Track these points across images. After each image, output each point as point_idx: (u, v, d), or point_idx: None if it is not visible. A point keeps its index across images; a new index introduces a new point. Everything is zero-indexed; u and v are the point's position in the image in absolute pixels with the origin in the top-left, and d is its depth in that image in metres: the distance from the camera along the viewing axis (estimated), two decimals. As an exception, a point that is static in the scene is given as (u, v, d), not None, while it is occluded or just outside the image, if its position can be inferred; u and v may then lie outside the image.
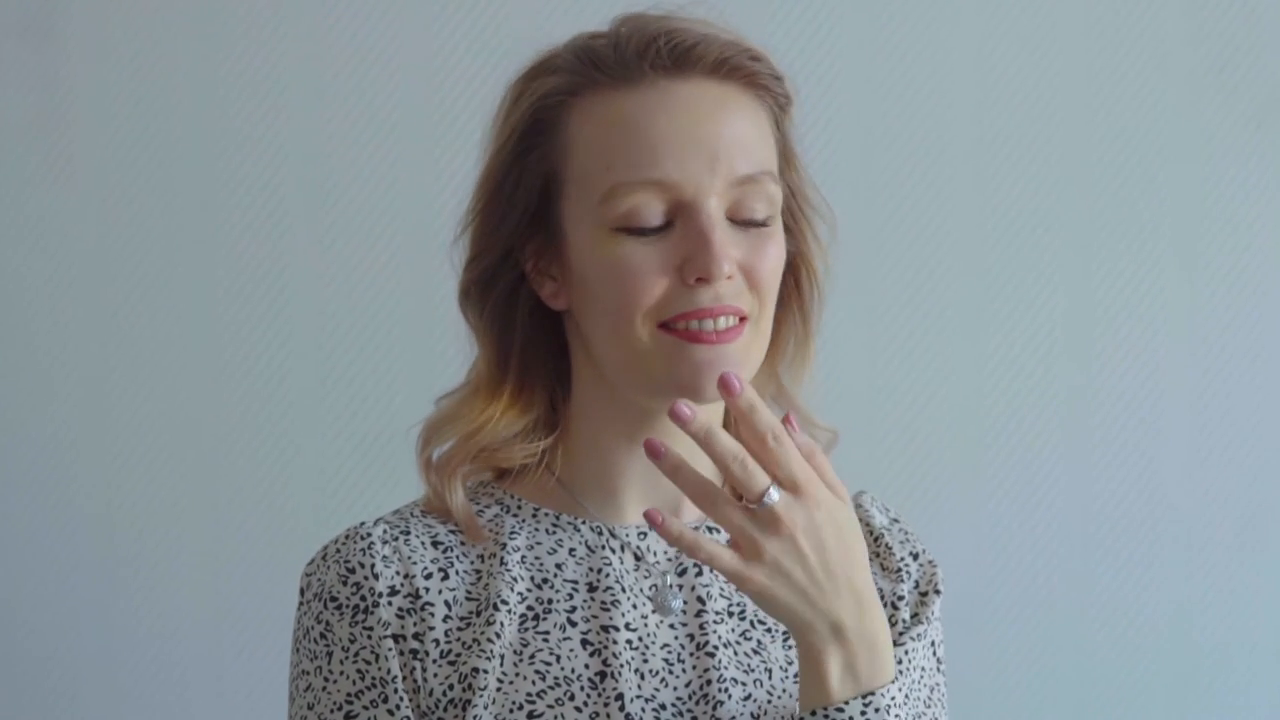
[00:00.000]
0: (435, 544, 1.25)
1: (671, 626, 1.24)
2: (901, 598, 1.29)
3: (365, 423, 1.95)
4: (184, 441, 1.95)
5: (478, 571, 1.25)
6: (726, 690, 1.21)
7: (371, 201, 1.95)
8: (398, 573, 1.22)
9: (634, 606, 1.23)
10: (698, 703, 1.21)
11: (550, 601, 1.23)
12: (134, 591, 1.95)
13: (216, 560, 1.94)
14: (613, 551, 1.25)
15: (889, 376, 2.02)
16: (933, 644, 1.30)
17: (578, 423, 1.26)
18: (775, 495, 1.09)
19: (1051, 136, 2.02)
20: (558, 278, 1.21)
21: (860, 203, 1.99)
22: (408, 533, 1.25)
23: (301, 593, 1.26)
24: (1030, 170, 2.01)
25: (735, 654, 1.23)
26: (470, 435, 1.24)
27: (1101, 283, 2.03)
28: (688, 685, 1.21)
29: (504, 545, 1.25)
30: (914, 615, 1.29)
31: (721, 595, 1.25)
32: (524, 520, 1.27)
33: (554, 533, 1.26)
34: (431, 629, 1.21)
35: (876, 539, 1.31)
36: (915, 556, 1.32)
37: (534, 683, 1.19)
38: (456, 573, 1.24)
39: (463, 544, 1.26)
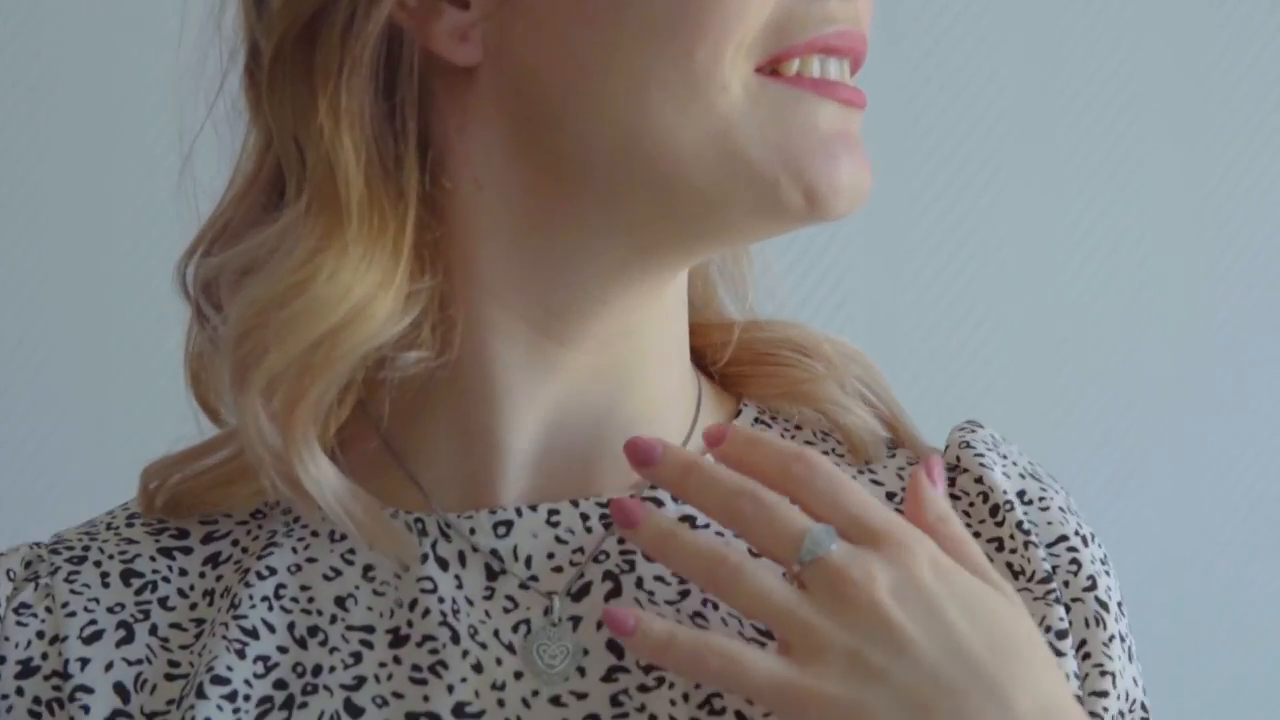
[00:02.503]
0: (129, 577, 0.69)
1: (557, 702, 0.64)
2: (1059, 631, 0.67)
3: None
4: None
5: (198, 623, 0.66)
6: None
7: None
8: (40, 635, 0.67)
9: (477, 669, 0.65)
10: None
11: (317, 671, 0.65)
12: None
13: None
14: (441, 565, 0.66)
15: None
16: (1128, 696, 0.68)
17: (458, 306, 0.66)
18: (828, 540, 0.63)
19: None
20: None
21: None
22: (82, 559, 0.69)
23: None
24: None
25: None
26: (339, 333, 0.63)
27: None
28: None
29: (246, 572, 0.67)
30: (1084, 655, 0.68)
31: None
32: (294, 523, 0.69)
33: (342, 540, 0.68)
34: None
35: (1000, 520, 0.70)
36: (1064, 541, 0.70)
37: None
38: (155, 629, 0.67)
39: (184, 573, 0.68)
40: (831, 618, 0.61)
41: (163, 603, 0.67)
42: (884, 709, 0.59)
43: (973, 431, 0.73)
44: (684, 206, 0.63)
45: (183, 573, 0.68)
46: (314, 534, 0.68)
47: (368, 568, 0.66)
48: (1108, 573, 0.70)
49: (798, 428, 0.74)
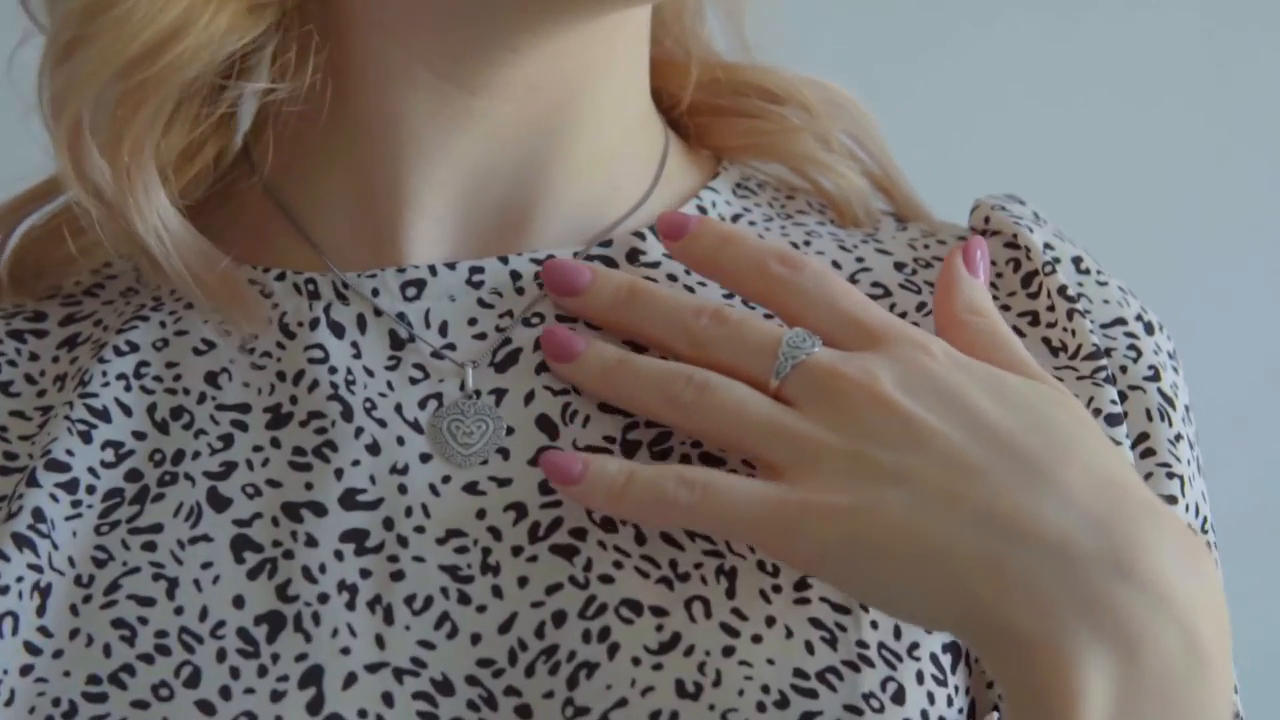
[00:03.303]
0: None
1: (472, 489, 0.52)
2: (1110, 415, 0.54)
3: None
4: None
5: (45, 411, 0.56)
6: (606, 630, 0.49)
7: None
8: None
9: (373, 450, 0.53)
10: (528, 672, 0.49)
11: (178, 459, 0.53)
12: None
13: None
14: (335, 331, 0.54)
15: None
16: (1198, 512, 0.56)
17: (344, 32, 0.55)
18: (808, 343, 0.51)
19: None
20: None
21: None
22: None
23: None
24: None
25: (635, 542, 0.51)
26: (155, 54, 0.52)
27: None
28: (506, 629, 0.50)
29: (103, 347, 0.56)
30: (1144, 451, 0.55)
31: (604, 411, 0.53)
32: (167, 296, 0.57)
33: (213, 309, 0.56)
34: None
35: (1035, 290, 0.57)
36: (1121, 324, 0.57)
37: (109, 651, 0.50)
38: None
39: (34, 357, 0.57)
40: (825, 423, 0.49)
41: (4, 388, 0.56)
42: (902, 508, 0.46)
43: (1015, 202, 0.60)
44: None
45: (33, 357, 0.57)
46: (188, 307, 0.56)
47: (245, 340, 0.55)
48: (1175, 369, 0.57)
49: (789, 197, 0.62)
